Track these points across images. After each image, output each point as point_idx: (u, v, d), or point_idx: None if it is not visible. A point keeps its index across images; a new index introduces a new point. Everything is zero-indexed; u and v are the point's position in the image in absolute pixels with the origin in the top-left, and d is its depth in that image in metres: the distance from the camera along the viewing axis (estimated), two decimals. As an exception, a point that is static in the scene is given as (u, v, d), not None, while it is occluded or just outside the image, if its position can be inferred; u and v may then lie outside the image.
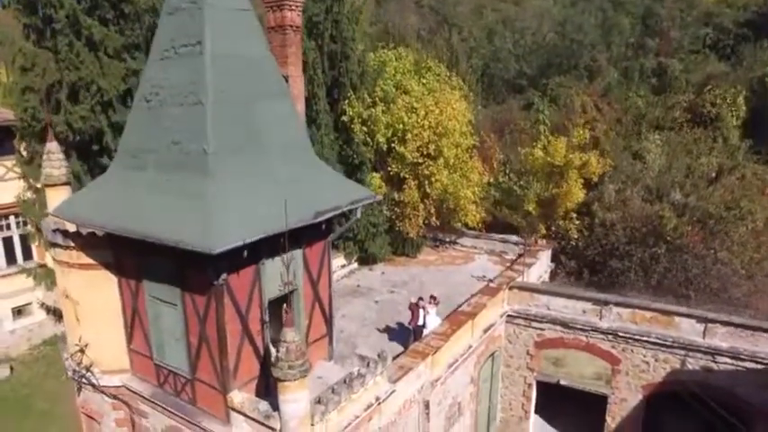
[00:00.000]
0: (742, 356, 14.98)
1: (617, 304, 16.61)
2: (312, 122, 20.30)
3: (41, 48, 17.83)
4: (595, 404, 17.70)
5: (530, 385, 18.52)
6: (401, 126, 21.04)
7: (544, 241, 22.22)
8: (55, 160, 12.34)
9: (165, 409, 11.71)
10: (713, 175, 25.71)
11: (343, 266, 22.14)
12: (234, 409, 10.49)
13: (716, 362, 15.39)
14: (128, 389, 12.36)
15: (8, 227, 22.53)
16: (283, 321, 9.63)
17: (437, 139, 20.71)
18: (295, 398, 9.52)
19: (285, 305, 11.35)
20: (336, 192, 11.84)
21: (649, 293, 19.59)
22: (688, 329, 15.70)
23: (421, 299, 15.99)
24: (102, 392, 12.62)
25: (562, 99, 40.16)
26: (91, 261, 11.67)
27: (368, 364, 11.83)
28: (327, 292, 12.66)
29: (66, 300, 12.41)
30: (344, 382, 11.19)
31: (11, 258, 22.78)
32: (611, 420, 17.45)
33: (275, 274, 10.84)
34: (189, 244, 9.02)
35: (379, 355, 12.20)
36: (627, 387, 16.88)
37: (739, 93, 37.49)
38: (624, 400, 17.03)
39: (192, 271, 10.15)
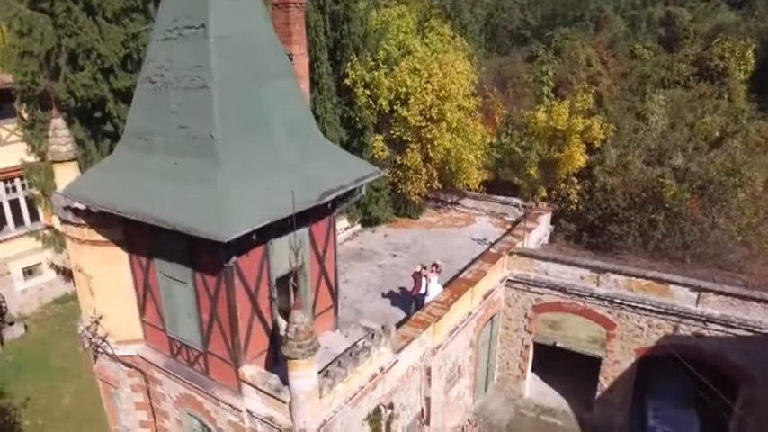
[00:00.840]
0: (732, 324, 15.51)
1: (614, 272, 17.01)
2: (315, 86, 20.16)
3: (38, 11, 17.51)
4: (589, 365, 18.41)
5: (527, 346, 19.20)
6: (404, 89, 20.89)
7: (544, 204, 22.45)
8: (61, 137, 12.35)
9: (179, 378, 12.30)
10: (717, 134, 25.61)
11: (346, 229, 22.48)
12: (246, 382, 11.04)
13: (707, 328, 15.93)
14: (142, 358, 12.93)
15: (14, 189, 22.63)
16: (292, 303, 10.03)
17: (440, 103, 20.59)
18: (304, 374, 10.03)
19: (291, 279, 11.77)
20: (341, 170, 11.99)
21: (646, 257, 20.02)
22: (682, 297, 16.16)
23: (423, 267, 16.36)
24: (118, 361, 13.19)
25: (566, 51, 39.38)
26: (102, 238, 11.97)
27: (372, 336, 12.32)
28: (333, 266, 13.01)
29: (79, 273, 12.78)
30: (350, 355, 11.71)
31: (18, 220, 23.01)
32: (604, 380, 18.21)
33: (283, 252, 11.18)
34: (201, 232, 9.27)
35: (383, 327, 12.71)
36: (621, 350, 17.52)
37: (749, 46, 36.73)
38: (617, 362, 17.71)
39: (202, 252, 10.43)
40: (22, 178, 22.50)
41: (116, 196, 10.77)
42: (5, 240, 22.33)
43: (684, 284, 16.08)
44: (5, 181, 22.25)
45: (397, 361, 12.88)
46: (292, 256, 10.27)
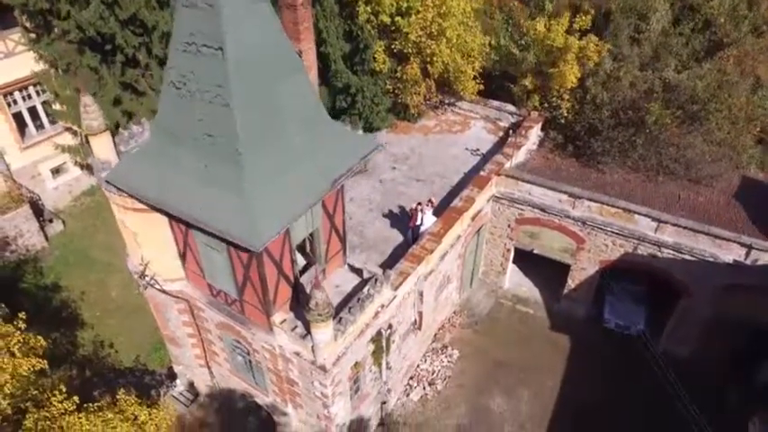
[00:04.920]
0: (682, 250, 18.12)
1: (588, 199, 19.14)
2: (316, 1, 20.14)
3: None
4: (560, 267, 21.47)
5: (508, 250, 22.08)
6: (405, 3, 20.85)
7: (536, 113, 23.58)
8: (92, 112, 13.59)
9: (219, 312, 15.20)
10: (720, 20, 25.38)
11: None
12: (276, 326, 13.92)
13: (661, 252, 18.59)
14: (187, 293, 15.68)
15: (29, 97, 23.40)
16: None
17: (440, 20, 20.74)
18: (322, 331, 12.89)
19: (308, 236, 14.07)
20: (346, 149, 13.47)
21: (624, 170, 21.87)
22: (644, 225, 18.53)
23: (419, 203, 18.39)
24: (166, 293, 15.97)
25: None
26: (143, 206, 13.89)
27: (375, 282, 14.88)
28: (341, 220, 15.05)
29: (125, 228, 14.95)
30: (357, 300, 14.37)
31: (38, 124, 24.25)
32: (572, 282, 21.43)
33: (301, 225, 13.29)
34: (236, 238, 11.32)
35: (383, 271, 15.29)
36: (587, 260, 20.41)
37: None
38: (584, 269, 20.73)
39: (234, 236, 12.50)
40: (35, 85, 23.25)
41: (154, 187, 12.49)
42: (31, 146, 23.86)
43: (647, 215, 18.35)
44: (21, 90, 23.03)
45: (395, 297, 15.70)
46: (308, 226, 12.94)
